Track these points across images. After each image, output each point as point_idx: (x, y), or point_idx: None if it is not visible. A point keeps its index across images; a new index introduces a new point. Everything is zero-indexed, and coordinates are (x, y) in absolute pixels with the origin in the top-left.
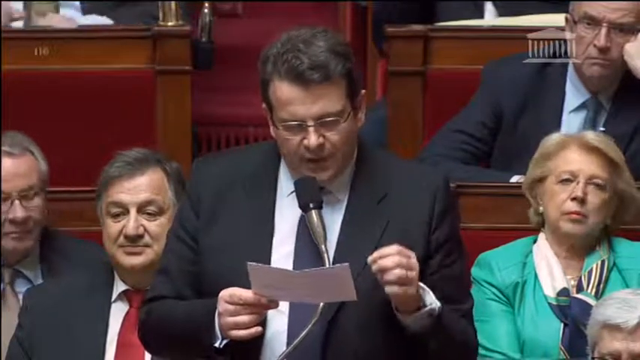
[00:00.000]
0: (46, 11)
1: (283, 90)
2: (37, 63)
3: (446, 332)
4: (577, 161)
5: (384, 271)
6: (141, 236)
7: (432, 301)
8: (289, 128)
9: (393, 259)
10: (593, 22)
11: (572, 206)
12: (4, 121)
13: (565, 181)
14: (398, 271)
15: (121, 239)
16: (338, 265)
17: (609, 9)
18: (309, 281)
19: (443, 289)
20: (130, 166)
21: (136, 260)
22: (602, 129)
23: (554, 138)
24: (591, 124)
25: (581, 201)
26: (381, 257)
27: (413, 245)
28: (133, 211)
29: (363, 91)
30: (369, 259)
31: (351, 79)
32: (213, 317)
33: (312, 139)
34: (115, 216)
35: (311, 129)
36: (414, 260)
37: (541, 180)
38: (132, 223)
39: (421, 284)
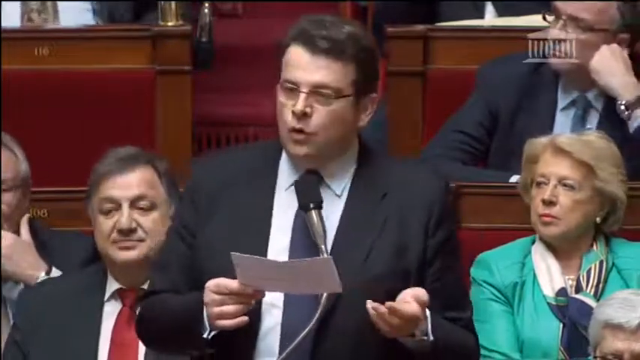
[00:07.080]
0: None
1: (293, 52)
2: (37, 63)
3: (445, 353)
4: (549, 164)
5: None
6: (134, 230)
7: (425, 331)
8: (285, 90)
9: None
10: (557, 15)
11: (542, 209)
12: (4, 121)
13: (540, 184)
14: (369, 305)
15: (114, 235)
16: (320, 257)
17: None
18: (293, 272)
19: (443, 296)
20: (121, 162)
21: (129, 255)
22: (589, 127)
23: (536, 142)
24: (580, 121)
25: (550, 203)
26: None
27: (409, 246)
28: (125, 206)
29: (375, 94)
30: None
31: (361, 69)
32: (202, 308)
33: (299, 104)
34: (107, 212)
35: (302, 95)
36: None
37: (531, 183)
38: (125, 216)
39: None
